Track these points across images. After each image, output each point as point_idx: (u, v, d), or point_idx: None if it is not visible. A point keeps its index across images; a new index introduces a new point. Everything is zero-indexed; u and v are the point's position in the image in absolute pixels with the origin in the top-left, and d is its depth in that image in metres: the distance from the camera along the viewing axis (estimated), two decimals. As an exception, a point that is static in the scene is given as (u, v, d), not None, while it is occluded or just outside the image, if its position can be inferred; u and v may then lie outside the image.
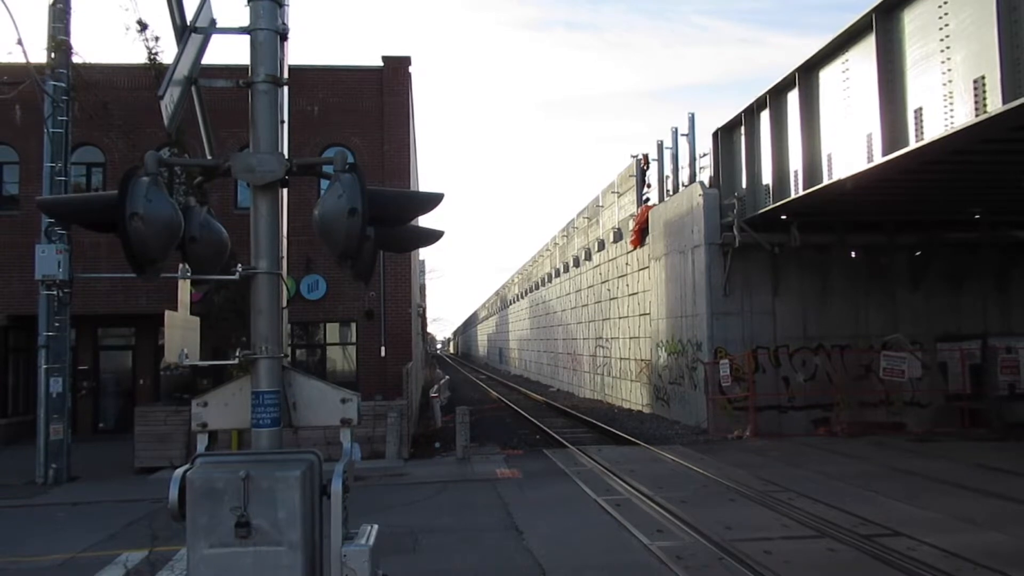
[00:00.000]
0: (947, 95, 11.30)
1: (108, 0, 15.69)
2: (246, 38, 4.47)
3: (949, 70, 11.24)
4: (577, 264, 35.53)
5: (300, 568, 4.00)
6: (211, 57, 4.89)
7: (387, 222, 4.80)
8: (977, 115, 10.66)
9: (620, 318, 28.46)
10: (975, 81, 10.65)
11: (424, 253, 52.41)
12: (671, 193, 23.49)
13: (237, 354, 4.47)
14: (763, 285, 19.93)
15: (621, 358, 28.57)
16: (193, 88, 4.63)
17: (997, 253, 20.74)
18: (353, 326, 20.97)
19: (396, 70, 21.32)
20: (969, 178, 15.53)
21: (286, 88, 4.55)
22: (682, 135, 23.01)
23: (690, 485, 12.65)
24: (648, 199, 25.85)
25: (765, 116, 17.55)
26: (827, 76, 14.97)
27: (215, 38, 4.71)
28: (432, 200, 4.89)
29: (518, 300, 58.50)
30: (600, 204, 31.62)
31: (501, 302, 71.86)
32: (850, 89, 14.08)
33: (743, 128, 18.80)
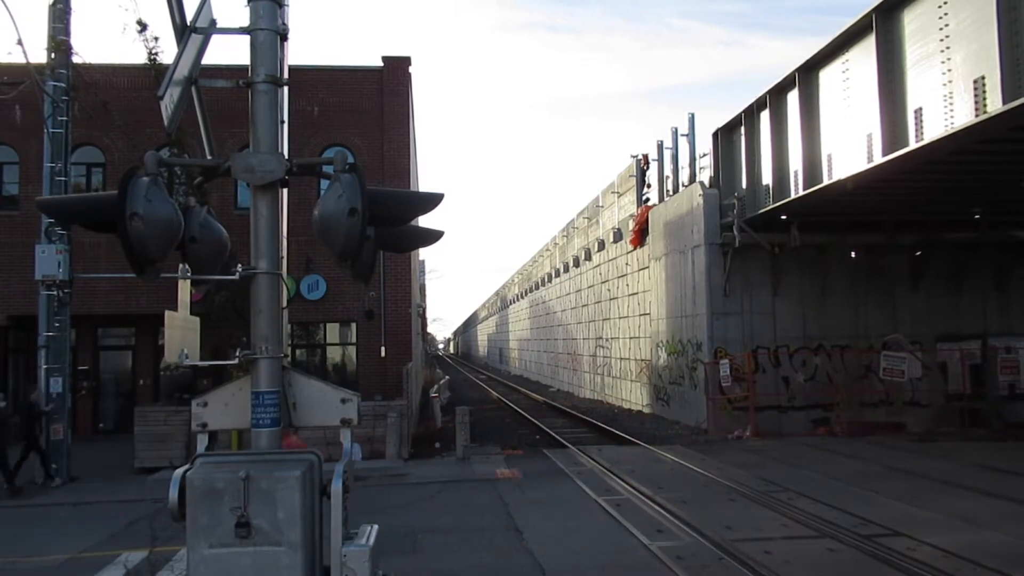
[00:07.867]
0: (947, 95, 11.29)
1: (108, 0, 15.65)
2: (246, 38, 4.48)
3: (949, 70, 11.24)
4: (577, 264, 35.51)
5: (300, 568, 4.00)
6: (211, 57, 4.89)
7: (387, 222, 4.81)
8: (977, 115, 10.65)
9: (620, 318, 28.45)
10: (975, 81, 10.64)
11: (424, 253, 52.41)
12: (671, 193, 23.49)
13: (237, 354, 4.47)
14: (763, 285, 19.93)
15: (621, 358, 28.55)
16: (193, 88, 4.63)
17: (997, 253, 20.73)
18: (353, 326, 20.97)
19: (396, 70, 21.32)
20: (969, 178, 15.52)
21: (286, 88, 4.55)
22: (682, 135, 23.02)
23: (690, 485, 12.64)
24: (648, 199, 25.85)
25: (765, 116, 17.54)
26: (827, 76, 14.96)
27: (215, 38, 4.71)
28: (432, 200, 4.90)
29: (518, 300, 58.45)
30: (600, 204, 31.61)
31: (501, 302, 71.82)
32: (850, 89, 14.08)
33: (743, 128, 18.79)
